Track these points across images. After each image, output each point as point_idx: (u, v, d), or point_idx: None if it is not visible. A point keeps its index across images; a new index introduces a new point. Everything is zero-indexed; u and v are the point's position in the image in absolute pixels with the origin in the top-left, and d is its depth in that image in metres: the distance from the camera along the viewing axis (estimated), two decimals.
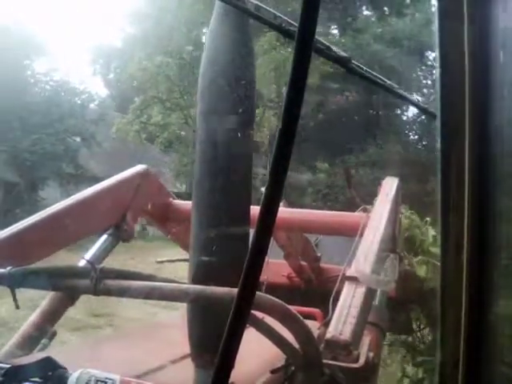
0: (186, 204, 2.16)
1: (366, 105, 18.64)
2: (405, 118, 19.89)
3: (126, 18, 20.88)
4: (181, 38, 17.24)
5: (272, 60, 15.27)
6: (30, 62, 17.17)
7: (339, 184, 14.74)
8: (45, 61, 18.14)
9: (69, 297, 1.75)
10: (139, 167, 2.19)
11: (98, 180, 2.16)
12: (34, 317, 1.69)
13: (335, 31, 20.17)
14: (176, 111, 17.72)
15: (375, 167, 15.29)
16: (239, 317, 0.59)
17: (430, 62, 18.77)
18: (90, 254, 1.96)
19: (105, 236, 2.03)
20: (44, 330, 1.67)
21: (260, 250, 0.58)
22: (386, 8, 19.62)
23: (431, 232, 3.20)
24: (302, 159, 17.03)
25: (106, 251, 2.02)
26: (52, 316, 1.71)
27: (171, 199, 2.40)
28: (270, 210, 0.57)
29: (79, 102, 18.25)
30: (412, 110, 18.57)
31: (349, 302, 1.52)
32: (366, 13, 20.78)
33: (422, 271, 2.95)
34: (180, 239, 2.55)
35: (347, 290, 1.58)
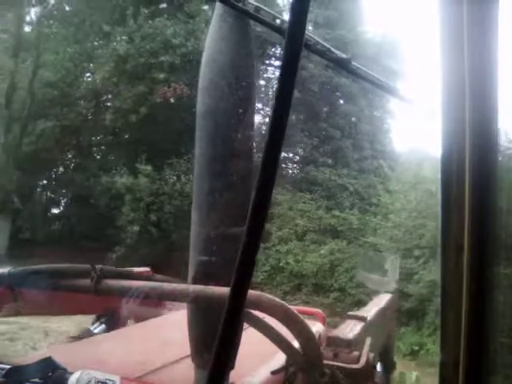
0: None
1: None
2: None
3: None
4: None
5: None
6: None
7: (167, 192, 12.39)
8: None
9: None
10: None
11: None
12: None
13: None
14: None
15: None
16: (232, 316, 0.59)
17: None
18: None
19: None
20: None
21: (252, 248, 0.58)
22: None
23: None
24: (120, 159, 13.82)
25: None
26: None
27: None
28: (260, 208, 0.57)
29: None
30: None
31: None
32: None
33: None
34: None
35: None
